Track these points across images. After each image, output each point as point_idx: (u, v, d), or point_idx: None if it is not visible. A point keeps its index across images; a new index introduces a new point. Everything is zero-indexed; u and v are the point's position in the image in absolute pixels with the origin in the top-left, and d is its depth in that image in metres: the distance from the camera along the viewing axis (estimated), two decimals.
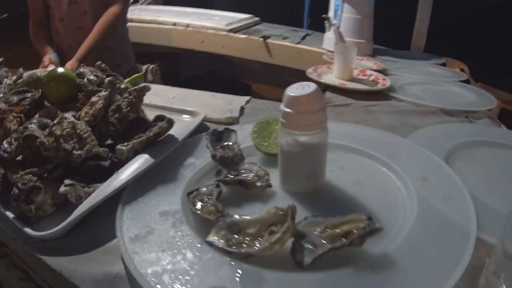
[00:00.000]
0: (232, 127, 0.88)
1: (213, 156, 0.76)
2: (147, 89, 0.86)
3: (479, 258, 0.55)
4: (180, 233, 0.59)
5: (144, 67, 2.47)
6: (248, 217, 0.57)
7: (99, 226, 0.65)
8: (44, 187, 0.68)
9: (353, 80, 1.41)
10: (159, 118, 0.85)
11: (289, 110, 0.64)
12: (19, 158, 0.76)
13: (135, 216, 0.64)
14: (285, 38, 2.15)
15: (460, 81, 1.51)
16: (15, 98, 0.92)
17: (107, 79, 0.92)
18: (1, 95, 1.10)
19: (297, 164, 0.69)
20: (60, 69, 0.95)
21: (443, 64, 1.85)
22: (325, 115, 0.66)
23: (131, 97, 0.84)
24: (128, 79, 1.31)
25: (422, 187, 0.68)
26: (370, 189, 0.71)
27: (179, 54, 2.51)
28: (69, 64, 1.70)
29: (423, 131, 0.98)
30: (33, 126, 0.78)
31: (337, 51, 1.42)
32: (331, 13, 1.91)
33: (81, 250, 0.60)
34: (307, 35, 2.23)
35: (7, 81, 1.35)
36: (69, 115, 0.79)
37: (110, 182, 0.70)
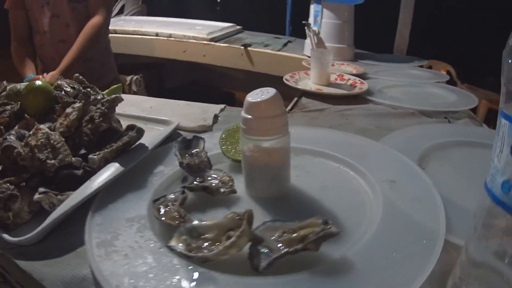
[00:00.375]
0: (203, 134, 0.90)
1: (181, 164, 0.78)
2: (119, 100, 0.89)
3: (450, 262, 0.54)
4: (143, 238, 0.61)
5: (128, 78, 2.49)
6: (207, 223, 0.59)
7: (72, 232, 0.67)
8: (21, 195, 0.70)
9: (331, 85, 1.43)
10: (130, 127, 0.86)
11: (248, 116, 0.65)
12: (0, 167, 0.78)
13: (104, 222, 0.66)
14: (266, 45, 2.17)
15: (444, 82, 1.52)
16: None
17: (82, 91, 0.94)
18: None
19: (259, 170, 0.70)
20: (38, 82, 0.98)
21: (429, 67, 1.87)
22: (286, 119, 0.67)
23: (103, 108, 0.87)
24: (107, 90, 1.32)
25: (389, 190, 0.69)
26: (335, 192, 0.73)
27: (162, 64, 2.53)
28: (50, 75, 1.71)
29: (398, 133, 0.99)
30: (11, 138, 0.81)
31: (313, 57, 1.44)
32: (311, 19, 1.93)
33: (54, 254, 0.63)
34: (288, 42, 2.25)
35: None
36: (44, 126, 0.81)
37: (82, 190, 0.72)
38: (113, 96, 0.88)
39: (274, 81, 1.50)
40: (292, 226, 0.56)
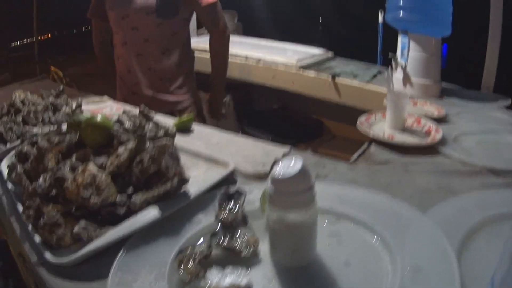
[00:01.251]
0: (256, 183, 1.00)
1: (216, 217, 0.81)
2: (167, 147, 0.93)
3: None
4: (155, 286, 0.69)
5: None
6: None
7: (103, 263, 0.77)
8: (66, 223, 0.82)
9: (405, 130, 1.39)
10: (176, 173, 0.91)
11: (273, 188, 0.67)
12: (53, 192, 0.89)
13: (130, 262, 0.75)
14: (355, 76, 2.14)
15: None
16: (56, 139, 1.05)
17: (137, 134, 1.00)
18: (53, 127, 1.24)
19: (282, 239, 0.72)
20: (98, 117, 1.05)
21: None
22: (311, 194, 0.68)
23: (153, 152, 0.92)
24: (177, 121, 1.39)
25: (410, 279, 0.66)
26: (356, 272, 0.71)
27: (252, 86, 2.56)
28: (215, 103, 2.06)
29: (455, 200, 0.94)
30: (65, 168, 0.92)
31: (389, 99, 1.40)
32: (398, 52, 1.88)
33: (83, 278, 0.75)
34: (379, 72, 2.20)
35: (66, 109, 1.51)
36: (91, 167, 0.89)
37: (120, 229, 0.82)
38: (164, 143, 0.93)
39: (359, 114, 1.49)
40: None
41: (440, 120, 1.47)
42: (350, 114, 2.13)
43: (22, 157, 1.07)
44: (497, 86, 1.94)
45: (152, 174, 0.92)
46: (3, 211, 1.04)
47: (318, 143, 2.52)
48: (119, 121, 1.12)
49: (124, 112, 1.17)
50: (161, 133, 1.13)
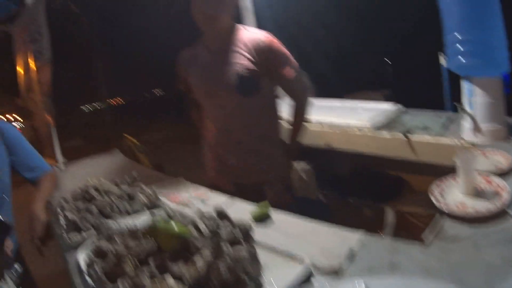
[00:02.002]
0: (327, 279, 1.08)
1: None
2: (245, 259, 1.05)
3: None
4: None
5: (295, 165, 2.62)
6: None
7: None
8: None
9: (477, 194, 1.38)
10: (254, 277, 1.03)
11: None
12: None
13: None
14: (425, 128, 2.18)
15: None
16: (132, 244, 1.15)
17: (212, 238, 1.12)
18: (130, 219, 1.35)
19: None
20: (173, 225, 1.15)
21: None
22: None
23: (230, 260, 1.03)
24: (254, 212, 1.49)
25: None
26: None
27: (328, 150, 2.61)
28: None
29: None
30: (144, 276, 1.03)
31: (457, 162, 1.41)
32: (464, 99, 1.90)
33: None
34: (448, 120, 2.23)
35: (142, 198, 1.63)
36: (169, 279, 1.02)
37: None
38: (241, 255, 1.05)
39: (436, 166, 1.49)
40: None
41: (508, 172, 1.49)
42: (428, 167, 2.15)
43: (99, 253, 1.18)
44: None
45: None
46: None
47: (399, 201, 2.53)
48: (194, 225, 1.22)
49: (199, 215, 1.28)
50: (237, 232, 1.21)
